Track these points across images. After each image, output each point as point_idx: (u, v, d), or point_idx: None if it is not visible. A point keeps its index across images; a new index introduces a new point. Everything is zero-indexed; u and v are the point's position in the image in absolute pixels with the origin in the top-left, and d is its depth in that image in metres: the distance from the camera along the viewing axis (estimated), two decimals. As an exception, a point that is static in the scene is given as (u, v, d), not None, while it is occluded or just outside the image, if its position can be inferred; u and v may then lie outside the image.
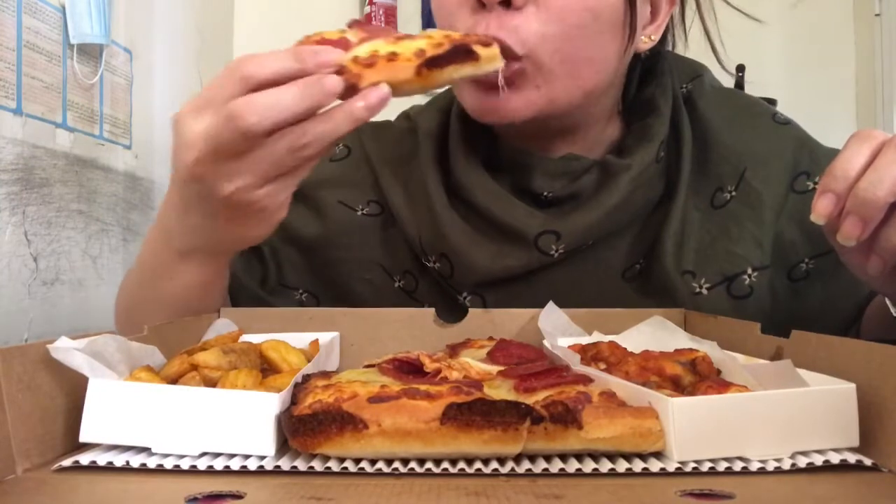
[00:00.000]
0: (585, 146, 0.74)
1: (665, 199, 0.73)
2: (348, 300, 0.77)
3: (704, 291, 0.69)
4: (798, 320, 0.70)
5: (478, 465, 0.37)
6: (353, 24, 0.52)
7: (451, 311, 0.73)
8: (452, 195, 0.73)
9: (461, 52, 0.48)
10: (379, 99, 0.47)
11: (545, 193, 0.71)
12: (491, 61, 0.50)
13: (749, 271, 0.69)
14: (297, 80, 0.46)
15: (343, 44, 0.49)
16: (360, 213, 0.78)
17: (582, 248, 0.71)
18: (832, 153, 0.72)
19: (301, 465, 0.37)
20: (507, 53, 0.59)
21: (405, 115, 0.85)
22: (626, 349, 0.52)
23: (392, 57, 0.47)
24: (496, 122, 0.69)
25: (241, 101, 0.46)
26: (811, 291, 0.71)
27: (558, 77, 0.64)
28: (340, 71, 0.47)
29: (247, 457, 0.38)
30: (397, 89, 0.48)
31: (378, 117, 0.88)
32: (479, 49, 0.49)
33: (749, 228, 0.71)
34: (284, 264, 0.78)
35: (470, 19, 0.63)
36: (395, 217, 0.77)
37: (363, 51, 0.48)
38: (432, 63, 0.47)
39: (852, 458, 0.37)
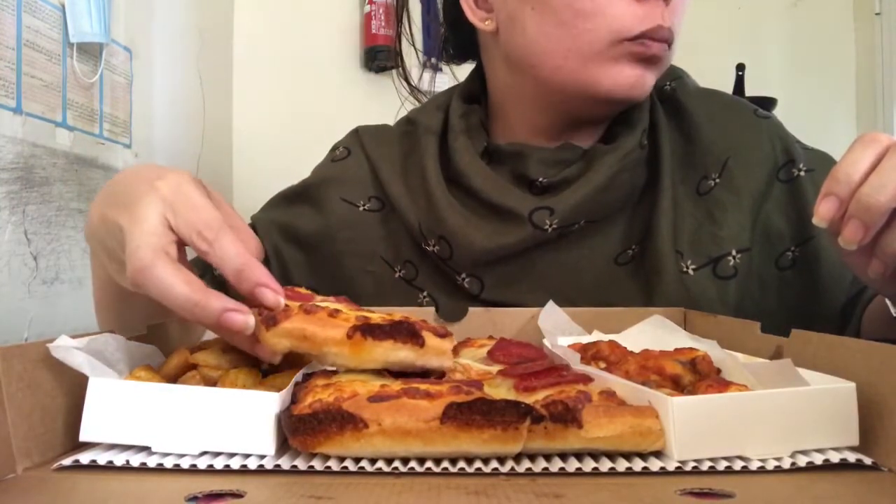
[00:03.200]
0: (581, 137, 0.77)
1: (649, 187, 0.76)
2: (351, 293, 0.78)
3: (691, 272, 0.71)
4: (789, 310, 0.73)
5: (478, 464, 0.37)
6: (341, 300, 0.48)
7: (450, 296, 0.76)
8: (451, 184, 0.76)
9: (404, 332, 0.41)
10: (236, 324, 0.41)
11: (540, 179, 0.74)
12: (437, 356, 0.43)
13: (733, 253, 0.72)
14: (204, 295, 0.41)
15: (305, 296, 0.46)
16: (361, 208, 0.81)
17: (574, 228, 0.73)
18: (809, 148, 0.78)
19: (301, 464, 0.37)
20: (670, 41, 0.70)
21: (406, 120, 0.87)
22: (626, 348, 0.52)
23: (335, 313, 0.42)
24: (637, 97, 0.72)
25: (147, 264, 0.42)
26: (798, 280, 0.73)
27: (666, 65, 0.73)
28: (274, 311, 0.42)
29: (247, 456, 0.38)
30: (317, 355, 0.42)
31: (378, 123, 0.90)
32: (428, 336, 0.42)
33: (732, 212, 0.74)
34: (287, 263, 0.80)
35: (639, 8, 0.68)
36: (395, 207, 0.79)
37: (314, 302, 0.44)
38: (367, 331, 0.41)
39: (852, 457, 0.37)
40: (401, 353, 0.41)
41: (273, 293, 0.43)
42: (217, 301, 0.41)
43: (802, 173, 0.75)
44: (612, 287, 0.73)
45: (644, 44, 0.68)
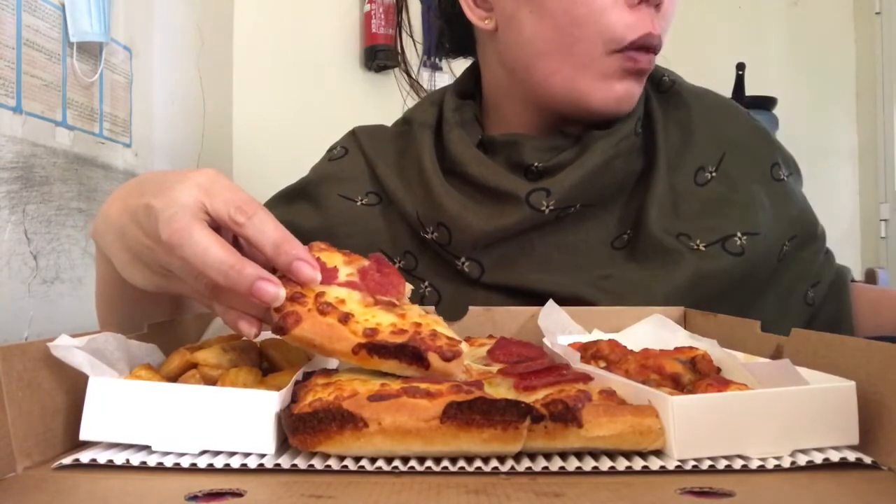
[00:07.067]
0: (573, 128, 0.78)
1: (645, 174, 0.78)
2: None
3: (703, 248, 0.72)
4: (776, 297, 0.76)
5: (478, 463, 0.37)
6: (371, 259, 0.49)
7: (451, 282, 0.77)
8: (447, 174, 0.78)
9: (409, 355, 0.41)
10: (267, 293, 0.42)
11: (535, 164, 0.75)
12: (444, 374, 0.42)
13: (739, 234, 0.73)
14: (240, 261, 0.42)
15: (330, 272, 0.46)
16: (359, 203, 0.81)
17: (571, 211, 0.74)
18: (787, 152, 0.83)
19: (301, 463, 0.37)
20: (657, 49, 0.72)
21: (402, 120, 0.88)
22: (625, 347, 0.52)
23: (345, 318, 0.42)
24: (625, 112, 0.74)
25: (185, 226, 0.42)
26: (784, 274, 0.77)
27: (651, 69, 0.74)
28: (293, 297, 0.43)
29: (247, 455, 0.38)
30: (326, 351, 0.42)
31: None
32: (433, 359, 0.41)
33: (729, 205, 0.75)
34: None
35: (630, 16, 0.69)
36: (393, 200, 0.80)
37: (332, 295, 0.44)
38: (372, 350, 0.41)
39: (852, 456, 0.37)
40: (406, 371, 0.42)
41: (311, 268, 0.44)
42: (252, 268, 0.42)
43: (786, 178, 0.80)
44: (613, 268, 0.74)
45: (634, 58, 0.70)
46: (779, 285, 0.77)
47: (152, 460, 0.37)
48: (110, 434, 0.39)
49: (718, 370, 0.46)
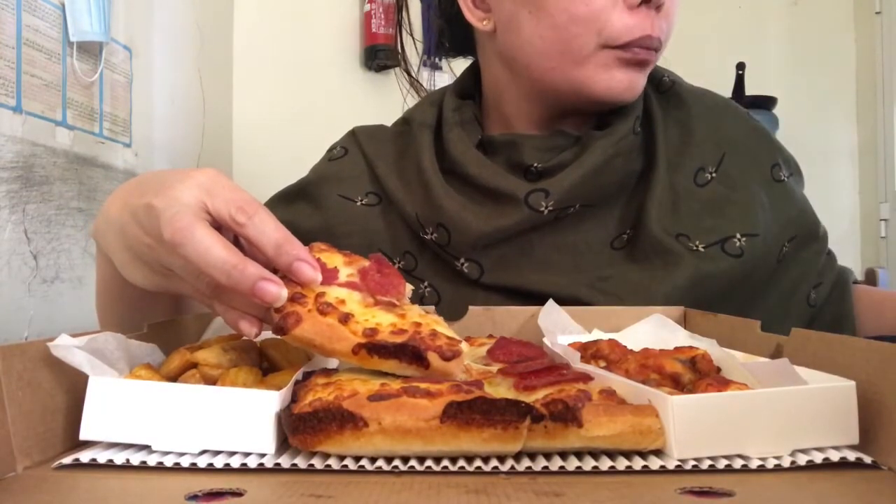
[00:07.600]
0: (574, 126, 0.79)
1: (645, 174, 0.78)
2: None
3: (702, 249, 0.73)
4: (777, 298, 0.76)
5: (478, 462, 0.37)
6: (372, 259, 0.49)
7: (451, 283, 0.77)
8: (446, 174, 0.78)
9: (409, 354, 0.41)
10: (269, 293, 0.42)
11: (535, 165, 0.75)
12: (443, 373, 0.42)
13: (738, 236, 0.73)
14: (243, 260, 0.42)
15: (330, 272, 0.46)
16: (359, 203, 0.81)
17: (570, 211, 0.74)
18: (787, 152, 0.83)
19: (301, 462, 0.37)
20: (657, 48, 0.73)
21: (401, 120, 0.88)
22: (626, 347, 0.52)
23: (345, 318, 0.43)
24: (630, 100, 0.75)
25: (187, 225, 0.43)
26: (785, 274, 0.77)
27: (654, 64, 0.76)
28: (294, 297, 0.43)
29: (247, 454, 0.38)
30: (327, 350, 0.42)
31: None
32: (433, 359, 0.41)
33: (729, 205, 0.76)
34: None
35: (630, 18, 0.70)
36: (392, 200, 0.80)
37: (332, 295, 0.45)
38: (372, 350, 0.41)
39: (852, 455, 0.37)
40: (406, 371, 0.42)
41: (311, 268, 0.45)
42: (254, 268, 0.42)
43: (786, 179, 0.80)
44: (612, 269, 0.74)
45: (633, 51, 0.71)
46: (780, 286, 0.77)
47: (152, 460, 0.37)
48: (110, 434, 0.39)
49: (718, 370, 0.46)
